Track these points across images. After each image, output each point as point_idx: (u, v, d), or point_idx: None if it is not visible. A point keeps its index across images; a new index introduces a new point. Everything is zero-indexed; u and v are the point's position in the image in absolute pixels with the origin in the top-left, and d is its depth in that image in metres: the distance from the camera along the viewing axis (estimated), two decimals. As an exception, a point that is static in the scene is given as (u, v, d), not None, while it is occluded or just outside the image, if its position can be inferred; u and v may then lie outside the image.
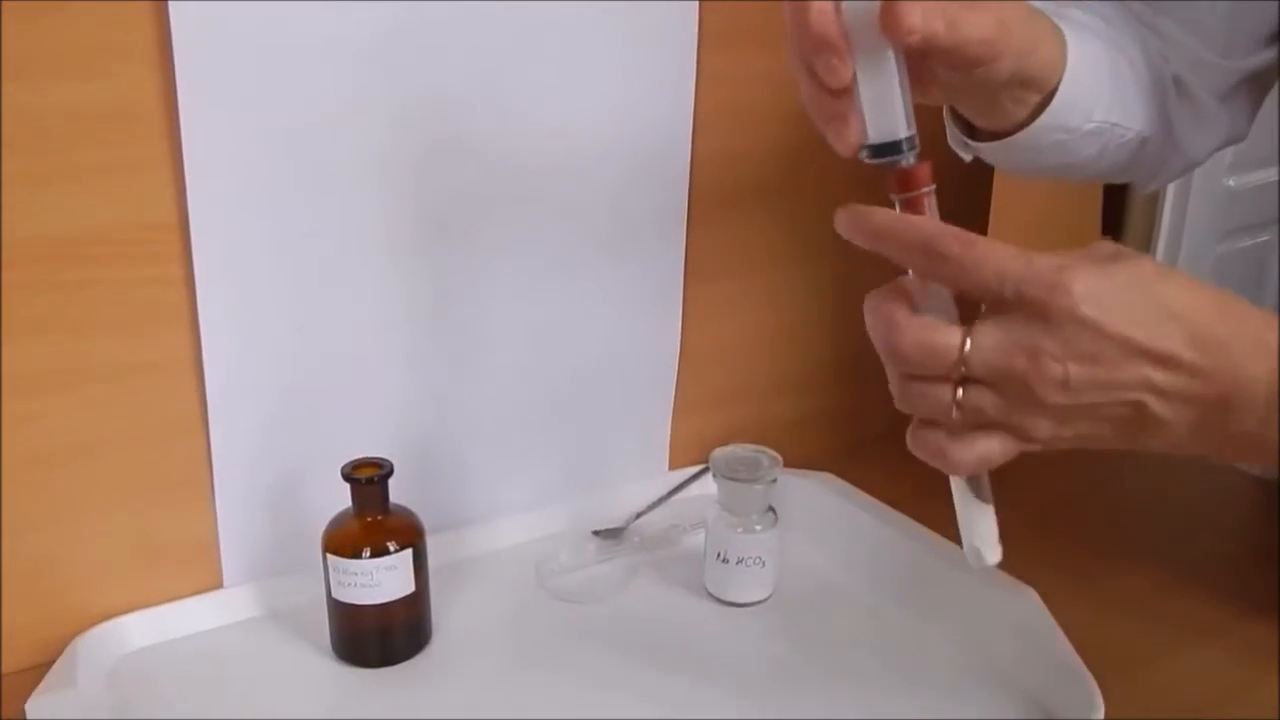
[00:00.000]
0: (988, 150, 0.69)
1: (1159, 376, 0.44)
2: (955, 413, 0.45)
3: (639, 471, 0.86)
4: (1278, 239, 2.44)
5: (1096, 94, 0.67)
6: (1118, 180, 0.79)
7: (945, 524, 0.80)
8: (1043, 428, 0.45)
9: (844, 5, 0.44)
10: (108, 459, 0.66)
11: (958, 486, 0.51)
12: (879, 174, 0.48)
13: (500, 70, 0.71)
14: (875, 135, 0.46)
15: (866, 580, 0.75)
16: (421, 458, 0.76)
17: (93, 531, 0.67)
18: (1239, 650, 0.69)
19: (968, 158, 0.71)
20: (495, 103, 0.71)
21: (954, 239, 0.44)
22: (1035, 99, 0.62)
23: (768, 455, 0.73)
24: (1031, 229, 2.10)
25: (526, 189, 0.75)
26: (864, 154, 0.47)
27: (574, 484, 0.83)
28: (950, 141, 0.71)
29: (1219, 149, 0.78)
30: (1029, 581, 0.69)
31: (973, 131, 0.68)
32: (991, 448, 0.46)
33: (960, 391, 0.45)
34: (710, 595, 0.73)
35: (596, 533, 0.79)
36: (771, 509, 0.72)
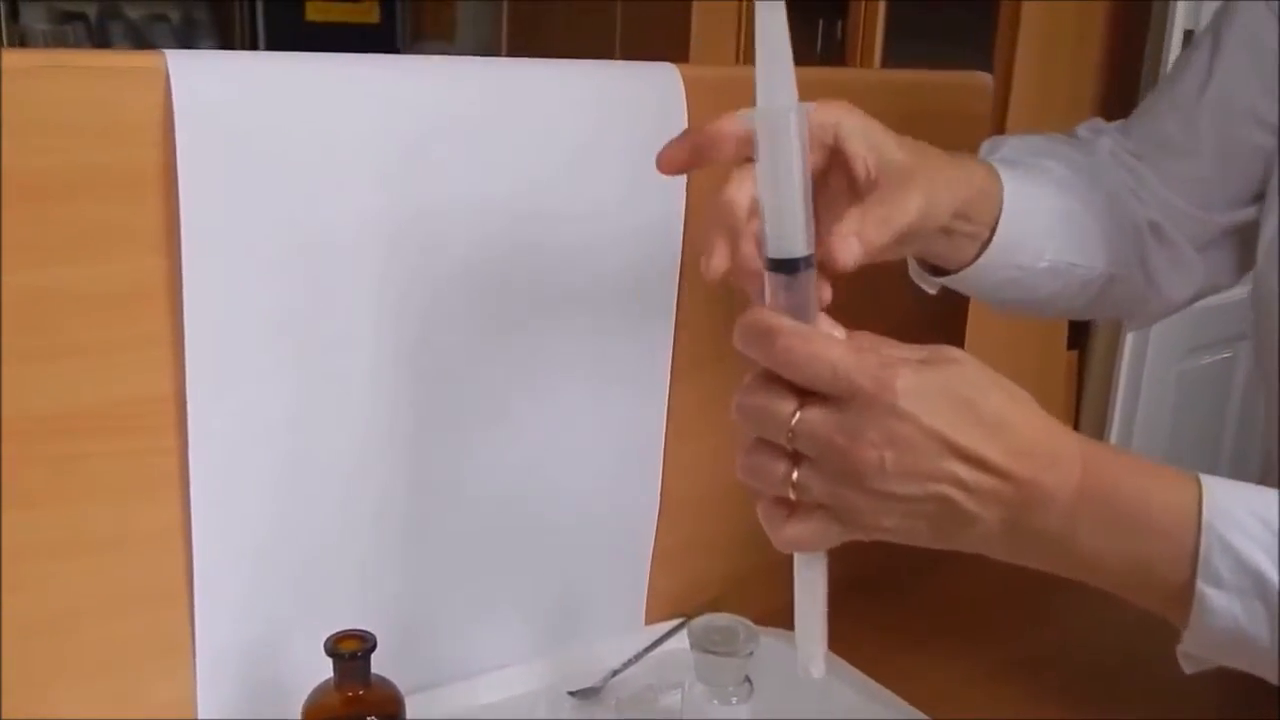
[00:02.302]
0: (949, 283, 0.72)
1: (967, 474, 0.47)
2: (790, 490, 0.49)
3: (616, 626, 0.87)
4: (1241, 354, 2.49)
5: (1047, 235, 0.71)
6: (1097, 317, 0.83)
7: (911, 681, 0.82)
8: (863, 513, 0.48)
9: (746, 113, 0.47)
10: (92, 626, 0.66)
11: (807, 600, 0.54)
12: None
13: (494, 220, 0.73)
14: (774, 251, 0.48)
15: (839, 749, 0.77)
16: (398, 615, 0.77)
17: (73, 695, 0.67)
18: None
19: (932, 290, 0.74)
20: (490, 267, 0.74)
21: (796, 335, 0.47)
22: (973, 241, 0.67)
23: (745, 626, 0.74)
24: (1003, 341, 2.15)
25: (509, 350, 0.77)
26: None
27: (551, 639, 0.84)
28: (912, 275, 0.74)
29: (1199, 296, 0.81)
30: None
31: (933, 267, 0.71)
32: (816, 528, 0.50)
33: (795, 472, 0.48)
34: (685, 764, 0.74)
35: (572, 693, 0.80)
36: (748, 679, 0.74)
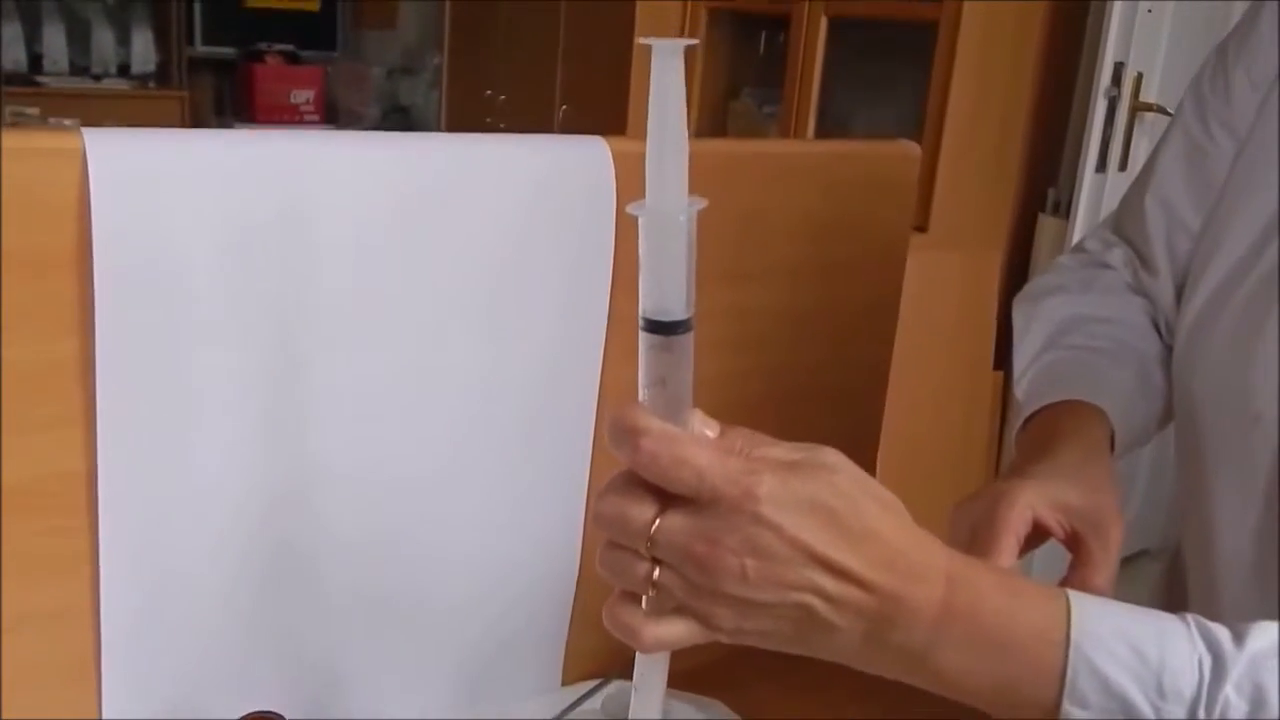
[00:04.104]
0: None
1: (830, 584, 0.47)
2: (650, 590, 0.48)
3: (533, 687, 0.87)
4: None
5: (1141, 426, 0.77)
6: None
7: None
8: (725, 617, 0.48)
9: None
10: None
11: (645, 693, 0.53)
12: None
13: (416, 297, 0.73)
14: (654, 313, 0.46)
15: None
16: (311, 681, 0.76)
17: (-25, 771, 0.66)
18: None
19: None
20: (412, 338, 0.74)
21: (663, 439, 0.46)
22: None
23: (658, 700, 0.75)
24: (931, 361, 2.19)
25: (428, 415, 0.77)
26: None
27: (467, 700, 0.84)
28: None
29: None
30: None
31: None
32: (678, 630, 0.49)
33: (657, 571, 0.47)
34: (596, 835, 0.75)
35: (487, 759, 0.80)
36: (659, 751, 0.75)
